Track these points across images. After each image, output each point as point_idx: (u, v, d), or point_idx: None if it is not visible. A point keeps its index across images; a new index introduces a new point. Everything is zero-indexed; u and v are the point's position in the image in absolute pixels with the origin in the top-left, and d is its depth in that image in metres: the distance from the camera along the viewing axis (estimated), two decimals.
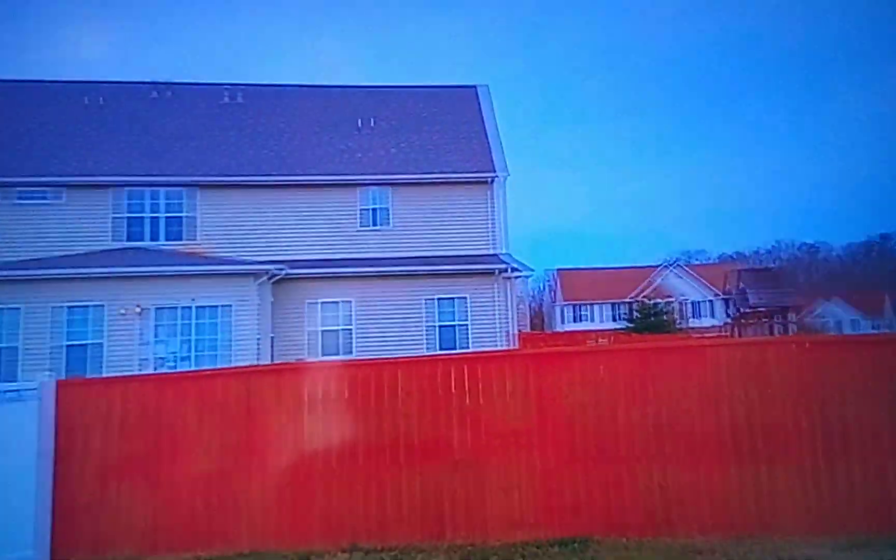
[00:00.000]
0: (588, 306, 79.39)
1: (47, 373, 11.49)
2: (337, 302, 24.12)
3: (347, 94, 30.80)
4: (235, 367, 13.99)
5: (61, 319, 20.78)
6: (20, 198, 23.97)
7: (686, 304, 72.98)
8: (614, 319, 73.65)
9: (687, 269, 77.83)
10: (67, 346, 20.61)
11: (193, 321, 21.54)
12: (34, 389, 10.53)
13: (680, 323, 62.27)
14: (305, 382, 10.88)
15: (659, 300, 60.59)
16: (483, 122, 29.23)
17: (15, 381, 16.16)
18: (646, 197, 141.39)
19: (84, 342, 20.79)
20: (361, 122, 28.79)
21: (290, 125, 28.46)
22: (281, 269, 22.97)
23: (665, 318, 55.44)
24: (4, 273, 20.98)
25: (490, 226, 26.33)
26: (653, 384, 10.32)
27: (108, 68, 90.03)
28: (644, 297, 66.21)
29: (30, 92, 28.42)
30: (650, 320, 53.85)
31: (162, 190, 24.86)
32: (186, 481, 10.32)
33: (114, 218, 24.35)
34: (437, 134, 28.52)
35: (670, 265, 77.71)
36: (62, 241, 23.47)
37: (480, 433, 10.38)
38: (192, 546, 10.00)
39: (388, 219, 25.88)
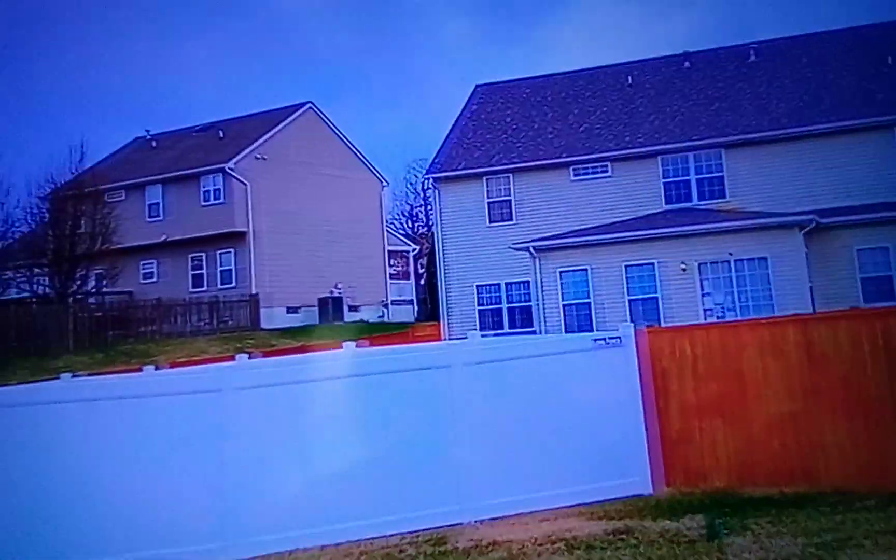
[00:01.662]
0: None
1: (624, 323, 12.30)
2: (874, 248, 22.23)
3: (862, 33, 28.03)
4: (790, 316, 13.79)
5: (621, 277, 22.41)
6: (575, 174, 26.22)
7: None
8: None
9: None
10: (629, 299, 22.17)
11: (733, 274, 21.65)
12: (615, 338, 11.41)
13: None
14: (862, 329, 10.38)
15: None
16: None
17: (590, 332, 17.73)
18: None
19: (642, 296, 22.16)
20: (885, 60, 25.99)
21: (805, 74, 26.84)
22: (811, 220, 21.85)
23: None
24: (571, 240, 23.26)
25: None
26: None
27: (628, 51, 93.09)
28: None
29: (568, 83, 30.83)
30: None
31: (691, 154, 25.24)
32: (760, 422, 10.44)
33: (654, 184, 25.37)
34: None
35: None
36: (613, 209, 25.02)
37: None
38: (775, 482, 10.07)
39: None
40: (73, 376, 17.30)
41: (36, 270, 35.92)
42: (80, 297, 34.62)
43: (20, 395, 10.57)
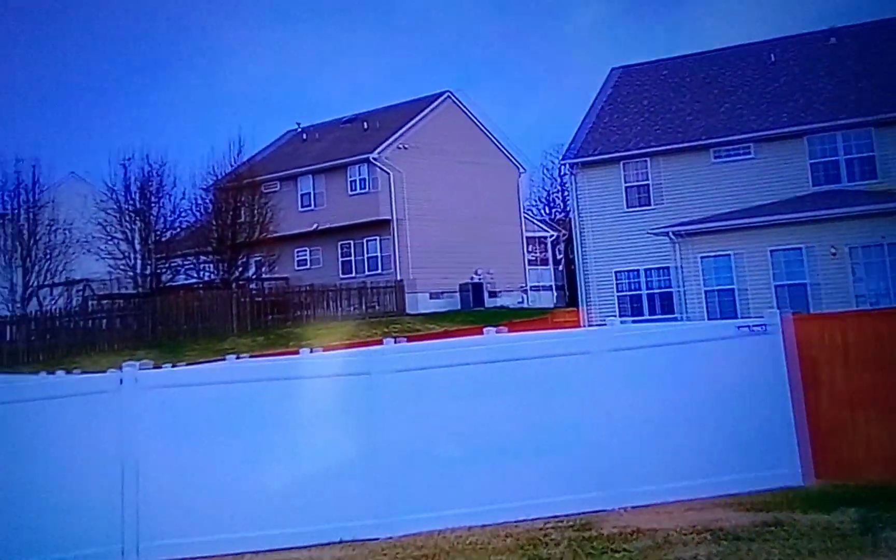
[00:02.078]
0: None
1: (769, 310, 11.76)
2: None
3: None
4: None
5: (766, 262, 21.45)
6: (716, 156, 25.26)
7: None
8: None
9: None
10: (776, 286, 21.19)
11: (887, 258, 20.29)
12: (761, 325, 10.93)
13: None
14: None
15: None
16: None
17: (734, 319, 17.05)
18: None
19: (789, 282, 21.13)
20: None
21: None
22: None
23: None
24: (712, 225, 22.46)
25: None
26: None
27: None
28: None
29: (707, 63, 29.66)
30: None
31: (839, 133, 23.80)
32: None
33: (800, 165, 24.07)
34: None
35: None
36: (756, 192, 23.89)
37: None
38: None
39: None
40: (237, 358, 18.25)
41: (201, 258, 38.09)
42: (241, 282, 36.43)
43: (192, 376, 11.25)
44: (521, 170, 46.29)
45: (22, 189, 37.48)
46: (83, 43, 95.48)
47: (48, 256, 36.30)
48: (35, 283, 35.82)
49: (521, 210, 46.06)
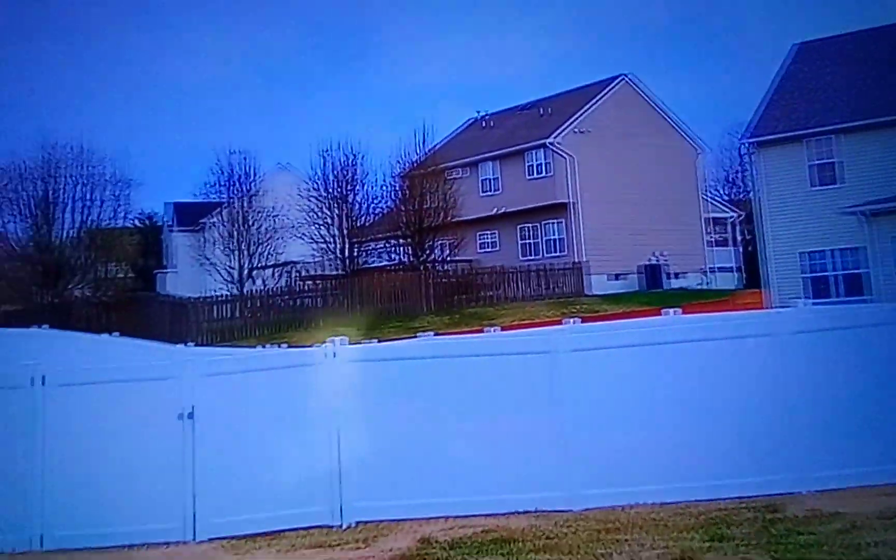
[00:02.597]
0: None
1: None
2: None
3: None
4: None
5: None
6: None
7: None
8: None
9: None
10: None
11: None
12: None
13: None
14: None
15: None
16: None
17: None
18: None
19: None
20: None
21: None
22: None
23: None
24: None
25: None
26: None
27: None
28: None
29: (894, 36, 27.15)
30: None
31: None
32: None
33: None
34: None
35: None
36: None
37: None
38: None
39: None
40: (425, 335, 18.86)
41: (392, 241, 39.53)
42: (429, 264, 37.45)
43: (389, 351, 11.77)
44: (700, 150, 44.40)
45: (236, 179, 40.53)
46: (285, 41, 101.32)
47: (260, 241, 39.01)
48: (250, 266, 38.66)
49: (700, 191, 44.18)
